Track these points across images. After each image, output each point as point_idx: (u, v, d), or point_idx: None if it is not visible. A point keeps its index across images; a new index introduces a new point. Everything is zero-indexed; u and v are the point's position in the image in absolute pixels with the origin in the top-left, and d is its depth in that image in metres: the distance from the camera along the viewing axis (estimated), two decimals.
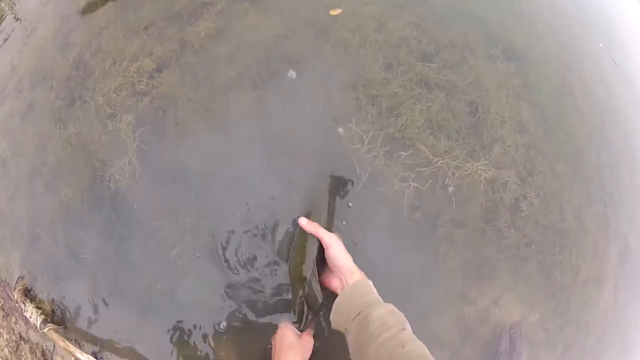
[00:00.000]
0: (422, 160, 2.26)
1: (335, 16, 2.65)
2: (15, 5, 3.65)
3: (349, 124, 2.29)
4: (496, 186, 2.40)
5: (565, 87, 3.14)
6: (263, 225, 2.15)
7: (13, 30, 3.44)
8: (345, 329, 1.56)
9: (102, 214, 2.39)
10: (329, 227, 1.95)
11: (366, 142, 2.22)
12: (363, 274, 1.74)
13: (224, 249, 2.12)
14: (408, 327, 1.52)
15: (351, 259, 1.79)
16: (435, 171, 2.26)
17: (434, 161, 2.25)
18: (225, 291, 2.09)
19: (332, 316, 1.62)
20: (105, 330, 2.29)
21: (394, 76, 2.43)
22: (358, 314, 1.52)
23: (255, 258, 2.09)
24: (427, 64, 2.53)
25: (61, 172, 2.59)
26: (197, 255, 2.18)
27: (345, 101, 2.38)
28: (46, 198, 2.57)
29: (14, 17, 3.56)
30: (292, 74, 2.44)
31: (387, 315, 1.50)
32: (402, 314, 1.55)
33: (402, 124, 2.30)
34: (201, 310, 2.15)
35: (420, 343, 1.47)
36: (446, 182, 2.27)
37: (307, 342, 1.65)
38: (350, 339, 1.55)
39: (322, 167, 2.24)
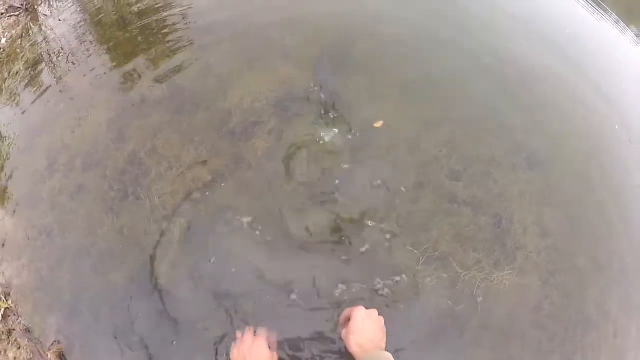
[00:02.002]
0: (453, 273, 2.70)
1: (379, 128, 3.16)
2: (62, 80, 3.95)
3: None
4: (519, 291, 2.80)
5: (586, 181, 3.49)
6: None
7: (57, 104, 3.72)
8: None
9: (147, 304, 2.67)
10: None
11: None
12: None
13: None
14: None
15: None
16: (464, 282, 2.67)
17: (462, 275, 2.69)
18: None
19: None
20: None
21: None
22: None
23: None
24: (455, 182, 2.97)
25: (111, 258, 2.85)
26: None
27: None
28: (93, 279, 2.82)
29: (59, 91, 3.83)
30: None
31: None
32: None
33: (434, 238, 2.78)
34: None
35: None
36: (474, 292, 2.68)
37: None
38: None
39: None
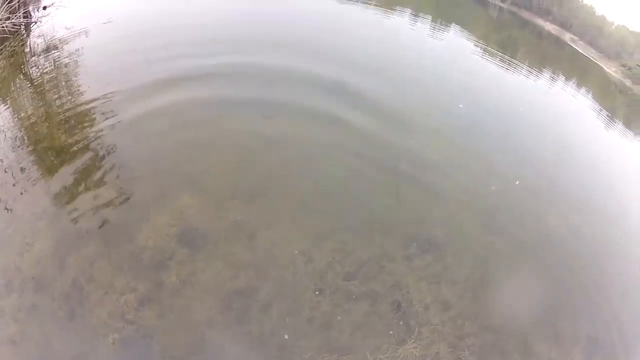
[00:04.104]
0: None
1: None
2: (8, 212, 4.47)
3: None
4: (430, 358, 3.14)
5: (485, 251, 4.12)
6: None
7: (6, 227, 4.30)
8: None
9: None
10: None
11: None
12: None
13: None
14: None
15: None
16: None
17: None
18: None
19: None
20: None
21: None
22: None
23: None
24: (350, 282, 3.59)
25: None
26: None
27: None
28: None
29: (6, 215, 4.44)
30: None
31: None
32: None
33: (334, 337, 3.28)
34: None
35: None
36: None
37: None
38: None
39: None
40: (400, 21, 19.53)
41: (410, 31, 18.23)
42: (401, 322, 3.55)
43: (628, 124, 19.22)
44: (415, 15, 22.35)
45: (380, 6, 20.21)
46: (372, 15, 18.09)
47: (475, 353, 3.43)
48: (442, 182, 5.51)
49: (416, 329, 3.52)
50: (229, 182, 5.13)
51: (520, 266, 4.69)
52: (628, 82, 33.55)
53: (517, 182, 6.65)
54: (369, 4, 19.99)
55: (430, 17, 23.44)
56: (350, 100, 7.67)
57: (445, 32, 20.80)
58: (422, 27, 19.47)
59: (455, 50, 17.11)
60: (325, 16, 17.40)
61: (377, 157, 5.81)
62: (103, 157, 5.28)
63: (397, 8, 22.19)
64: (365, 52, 11.41)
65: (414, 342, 3.39)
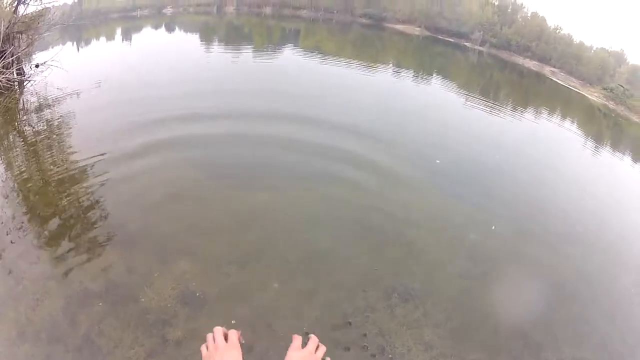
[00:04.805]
0: None
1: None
2: (16, 266, 5.15)
3: None
4: None
5: (464, 290, 4.62)
6: None
7: (17, 284, 4.94)
8: None
9: None
10: None
11: None
12: None
13: None
14: None
15: None
16: None
17: None
18: None
19: None
20: None
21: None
22: None
23: None
24: (337, 331, 4.07)
25: None
26: None
27: None
28: None
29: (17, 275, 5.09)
30: None
31: None
32: None
33: None
34: None
35: None
36: None
37: None
38: None
39: None
40: (383, 77, 21.08)
41: (393, 86, 19.32)
42: None
43: (615, 146, 19.85)
44: (397, 71, 23.75)
45: (361, 65, 21.69)
46: (355, 74, 19.36)
47: None
48: (421, 236, 6.17)
49: None
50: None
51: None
52: (611, 105, 34.66)
53: (493, 227, 7.25)
54: (350, 64, 21.45)
55: (412, 70, 24.94)
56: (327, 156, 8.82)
57: (426, 85, 22.27)
58: (404, 83, 20.92)
59: (436, 101, 18.05)
60: (310, 74, 19.14)
61: (358, 218, 6.53)
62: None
63: (379, 66, 23.68)
64: (341, 114, 12.52)
65: None
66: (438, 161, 10.47)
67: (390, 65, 25.66)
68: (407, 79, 22.28)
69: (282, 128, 10.38)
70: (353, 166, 8.85)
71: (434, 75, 25.23)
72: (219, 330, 1.49)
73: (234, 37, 28.55)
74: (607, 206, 11.20)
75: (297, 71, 19.37)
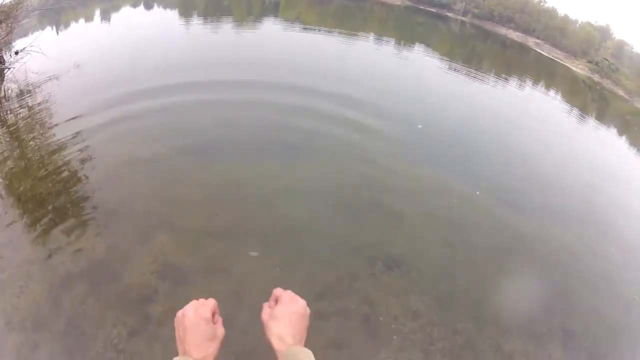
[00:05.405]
0: None
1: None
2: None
3: None
4: None
5: (450, 261, 4.34)
6: None
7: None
8: None
9: None
10: None
11: None
12: None
13: None
14: None
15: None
16: None
17: None
18: None
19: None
20: None
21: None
22: None
23: None
24: (320, 301, 3.78)
25: None
26: None
27: None
28: None
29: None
30: None
31: None
32: None
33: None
34: None
35: None
36: None
37: (221, 333, 1.47)
38: None
39: None
40: (365, 46, 20.38)
41: (375, 54, 18.93)
42: (372, 333, 3.73)
43: (600, 118, 19.90)
44: (379, 39, 23.25)
45: (343, 34, 21.12)
46: (337, 42, 18.81)
47: (447, 356, 3.61)
48: (402, 203, 5.88)
49: (387, 338, 3.71)
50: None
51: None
52: (596, 77, 34.83)
53: (477, 193, 7.17)
54: (331, 33, 20.87)
55: (393, 39, 24.42)
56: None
57: (409, 52, 21.92)
58: (386, 50, 20.34)
59: (418, 69, 17.75)
60: (295, 43, 18.33)
61: (337, 187, 6.21)
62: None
63: (361, 34, 23.14)
64: (328, 78, 12.17)
65: (385, 353, 3.57)
66: (420, 126, 10.17)
67: (371, 35, 25.13)
68: (388, 48, 21.86)
69: (258, 96, 9.81)
70: (333, 136, 8.43)
71: (416, 45, 24.87)
72: (192, 303, 1.44)
73: (214, 11, 27.42)
74: (592, 174, 11.14)
75: (277, 42, 18.62)
